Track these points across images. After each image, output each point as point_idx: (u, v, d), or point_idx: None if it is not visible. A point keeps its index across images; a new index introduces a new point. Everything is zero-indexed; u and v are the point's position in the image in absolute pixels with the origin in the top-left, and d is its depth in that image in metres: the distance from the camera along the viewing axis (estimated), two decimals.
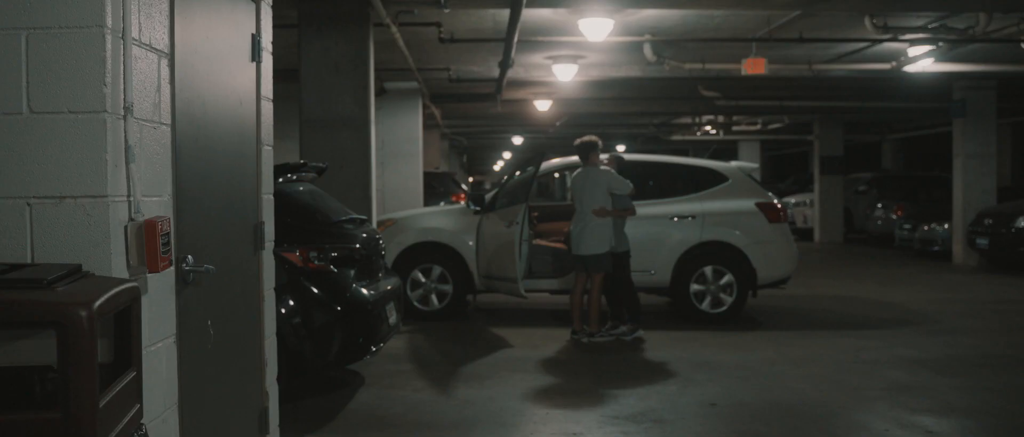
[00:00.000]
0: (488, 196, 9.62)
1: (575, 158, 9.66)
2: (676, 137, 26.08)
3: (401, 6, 9.08)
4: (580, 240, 8.23)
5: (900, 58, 12.24)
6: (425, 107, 16.64)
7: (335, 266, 5.84)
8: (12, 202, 2.66)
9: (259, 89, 4.07)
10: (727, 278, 9.23)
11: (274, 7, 4.24)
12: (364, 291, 5.95)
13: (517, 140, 30.63)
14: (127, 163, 2.75)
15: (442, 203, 16.69)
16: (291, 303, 5.60)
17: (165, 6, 3.04)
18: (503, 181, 10.39)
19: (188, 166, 3.26)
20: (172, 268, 3.07)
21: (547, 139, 30.42)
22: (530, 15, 9.64)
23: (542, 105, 18.16)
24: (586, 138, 8.48)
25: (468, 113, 20.73)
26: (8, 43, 2.64)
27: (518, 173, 9.86)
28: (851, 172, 23.87)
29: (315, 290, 5.73)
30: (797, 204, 22.71)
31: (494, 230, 8.84)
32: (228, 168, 3.74)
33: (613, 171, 8.36)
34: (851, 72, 13.12)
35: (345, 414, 5.78)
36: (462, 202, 15.61)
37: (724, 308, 9.22)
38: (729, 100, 17.38)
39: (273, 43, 4.26)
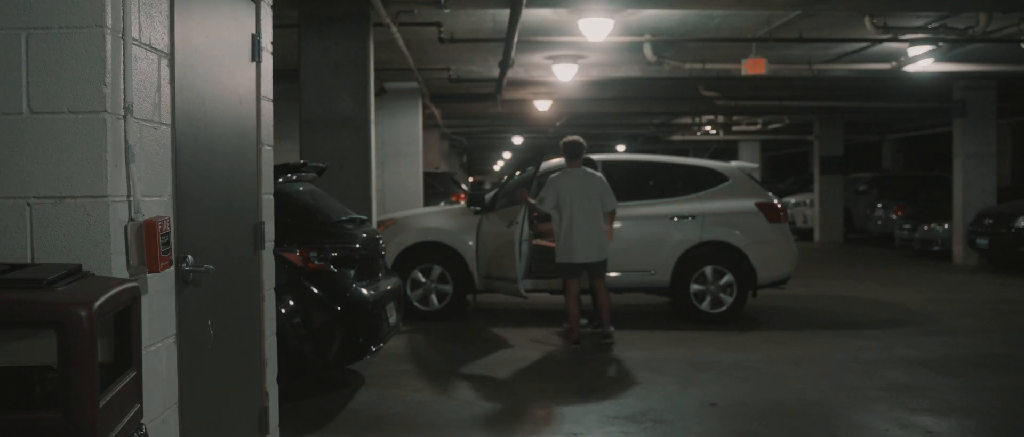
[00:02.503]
0: (488, 196, 9.62)
1: None
2: (676, 137, 26.09)
3: (401, 6, 9.09)
4: (591, 245, 7.92)
5: (900, 58, 12.24)
6: (425, 107, 16.64)
7: (335, 266, 5.84)
8: (12, 202, 2.66)
9: (259, 89, 4.07)
10: (727, 278, 9.23)
11: (274, 7, 4.24)
12: (364, 291, 5.95)
13: (517, 140, 30.63)
14: (127, 163, 2.76)
15: (442, 203, 16.69)
16: (291, 303, 5.61)
17: (165, 6, 3.04)
18: (503, 181, 10.38)
19: (188, 166, 3.26)
20: (172, 268, 3.07)
21: (547, 139, 30.40)
22: (530, 15, 9.64)
23: (542, 105, 18.16)
24: (575, 138, 8.18)
25: (468, 113, 20.73)
26: (8, 43, 2.64)
27: (518, 173, 9.86)
28: (851, 172, 23.87)
29: (315, 290, 5.73)
30: (797, 204, 22.71)
31: (494, 230, 8.84)
32: (228, 168, 3.74)
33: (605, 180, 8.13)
34: (851, 72, 13.12)
35: (345, 414, 5.78)
36: (462, 202, 15.63)
37: (724, 308, 9.22)
38: (729, 100, 17.38)
39: (273, 43, 4.27)
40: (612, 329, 8.20)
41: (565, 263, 8.02)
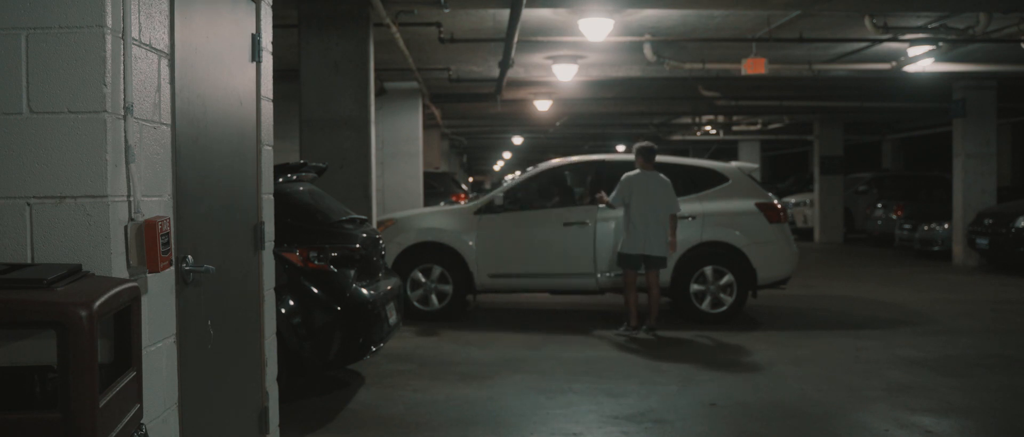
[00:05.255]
0: (502, 196, 9.71)
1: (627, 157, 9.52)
2: (676, 137, 26.09)
3: (401, 6, 9.08)
4: (656, 240, 8.53)
5: (900, 58, 12.24)
6: (425, 107, 16.64)
7: (335, 266, 5.84)
8: (12, 202, 2.66)
9: (259, 89, 4.07)
10: (727, 278, 9.24)
11: (274, 7, 4.24)
12: (364, 291, 5.95)
13: (517, 140, 30.64)
14: (127, 163, 2.75)
15: (442, 203, 16.70)
16: (291, 303, 5.61)
17: (165, 6, 3.04)
18: (524, 179, 10.26)
19: (188, 166, 3.26)
20: (172, 268, 3.07)
21: (547, 139, 30.42)
22: (530, 15, 9.64)
23: (542, 105, 18.16)
24: (649, 143, 8.91)
25: (468, 113, 20.73)
26: (8, 43, 2.64)
27: (518, 174, 9.89)
28: (851, 172, 23.86)
29: (315, 290, 5.73)
30: (797, 204, 22.70)
31: (549, 228, 9.42)
32: (228, 168, 3.74)
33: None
34: (851, 72, 13.12)
35: (345, 414, 5.78)
36: (462, 202, 15.62)
37: (724, 308, 9.23)
38: (729, 100, 17.38)
39: (273, 43, 4.27)
40: (655, 329, 8.71)
41: (628, 254, 8.58)
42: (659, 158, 10.10)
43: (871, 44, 11.54)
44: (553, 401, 6.11)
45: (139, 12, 2.83)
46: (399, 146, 15.45)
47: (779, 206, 9.58)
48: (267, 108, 4.18)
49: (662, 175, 8.69)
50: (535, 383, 6.63)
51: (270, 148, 4.25)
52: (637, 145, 8.87)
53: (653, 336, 8.46)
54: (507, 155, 42.93)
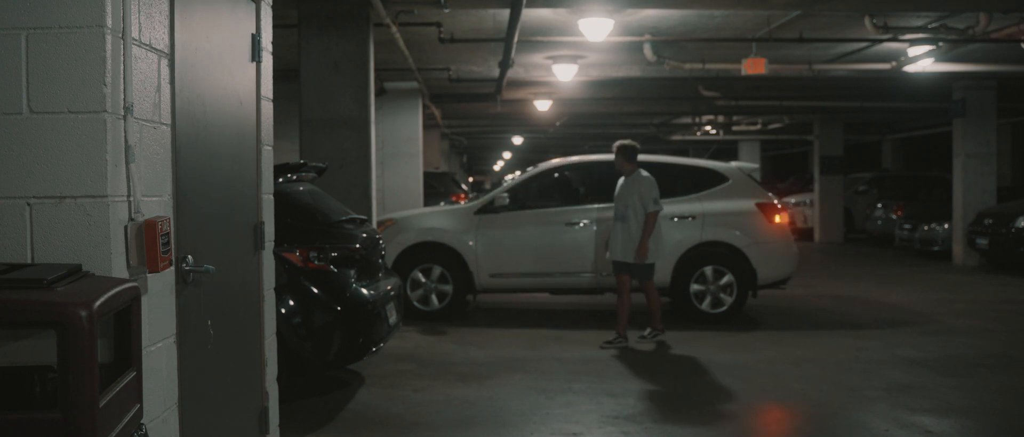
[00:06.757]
0: (507, 193, 9.72)
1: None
2: (676, 137, 26.09)
3: (401, 6, 9.09)
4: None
5: (900, 58, 12.24)
6: (425, 107, 16.64)
7: (335, 266, 5.85)
8: (12, 202, 2.66)
9: (259, 89, 4.07)
10: (727, 278, 9.24)
11: (274, 7, 4.24)
12: (364, 291, 5.95)
13: (517, 140, 30.64)
14: (127, 163, 2.75)
15: (442, 203, 16.70)
16: (291, 303, 5.61)
17: (165, 6, 3.04)
18: (525, 179, 10.23)
19: (188, 166, 3.26)
20: (172, 268, 3.07)
21: (547, 139, 30.41)
22: (530, 15, 9.64)
23: (542, 105, 18.17)
24: (631, 141, 8.39)
25: (468, 113, 20.73)
26: (8, 43, 2.64)
27: (517, 173, 9.88)
28: (851, 172, 23.85)
29: (315, 290, 5.73)
30: (797, 204, 22.70)
31: (547, 226, 9.32)
32: (228, 168, 3.74)
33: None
34: (851, 72, 13.11)
35: (345, 414, 5.78)
36: (462, 202, 15.62)
37: (724, 308, 9.22)
38: (729, 100, 17.37)
39: (273, 43, 4.27)
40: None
41: (653, 263, 8.15)
42: (659, 158, 10.12)
43: (871, 44, 11.54)
44: (553, 401, 6.11)
45: (139, 12, 2.83)
46: (399, 146, 15.45)
47: (779, 206, 9.58)
48: (267, 108, 4.18)
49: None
50: (535, 383, 6.63)
51: (270, 148, 4.25)
52: (632, 145, 8.32)
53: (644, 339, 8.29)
54: (507, 155, 42.93)
